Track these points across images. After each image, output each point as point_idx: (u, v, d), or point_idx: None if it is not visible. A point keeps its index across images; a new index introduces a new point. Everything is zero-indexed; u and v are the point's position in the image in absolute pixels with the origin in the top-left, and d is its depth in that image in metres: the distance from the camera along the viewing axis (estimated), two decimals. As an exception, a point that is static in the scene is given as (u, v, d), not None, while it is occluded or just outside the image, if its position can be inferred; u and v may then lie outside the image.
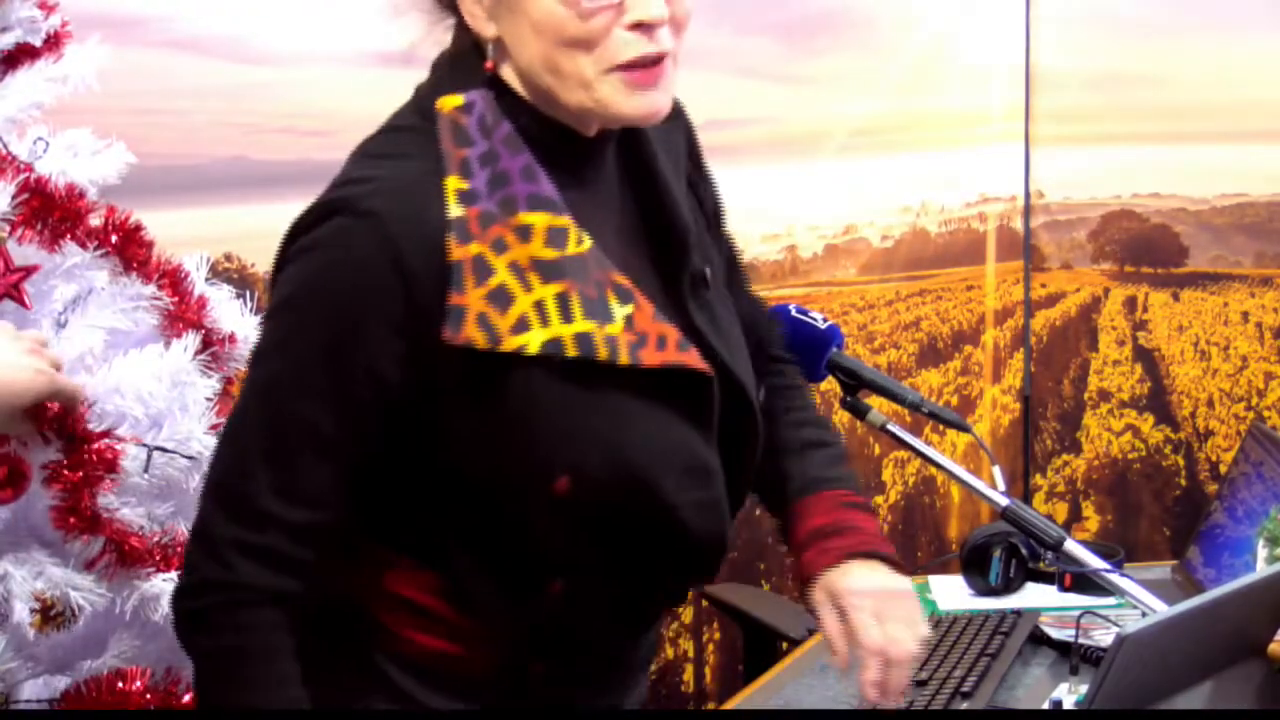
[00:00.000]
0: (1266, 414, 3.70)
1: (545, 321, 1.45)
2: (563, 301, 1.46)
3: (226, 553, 1.44)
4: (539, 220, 1.46)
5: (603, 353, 1.46)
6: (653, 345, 1.49)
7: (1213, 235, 3.72)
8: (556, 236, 1.47)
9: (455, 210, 1.44)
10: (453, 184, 1.44)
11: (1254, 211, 3.71)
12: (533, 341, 1.44)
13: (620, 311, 1.49)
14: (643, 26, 1.43)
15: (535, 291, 1.45)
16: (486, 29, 1.47)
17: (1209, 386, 3.75)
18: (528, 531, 1.49)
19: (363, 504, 1.50)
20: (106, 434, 1.92)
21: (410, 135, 1.48)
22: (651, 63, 1.45)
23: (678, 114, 1.64)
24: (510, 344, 1.43)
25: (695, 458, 1.54)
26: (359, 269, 1.42)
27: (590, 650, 1.60)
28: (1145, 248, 3.74)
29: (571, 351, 1.45)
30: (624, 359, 1.47)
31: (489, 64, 1.48)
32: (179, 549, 1.95)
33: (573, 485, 1.46)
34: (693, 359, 1.51)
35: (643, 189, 1.59)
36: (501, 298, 1.44)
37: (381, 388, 1.44)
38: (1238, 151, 3.65)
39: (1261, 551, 2.26)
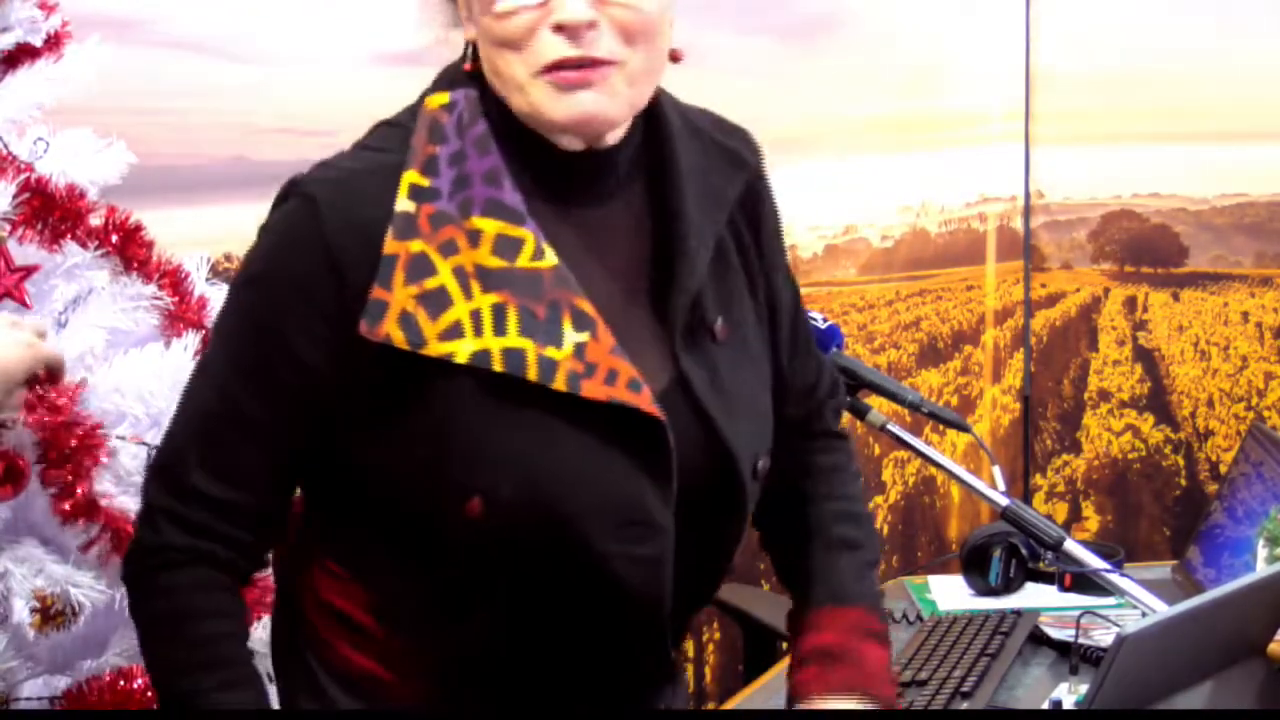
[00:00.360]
0: (1266, 414, 3.71)
1: (479, 331, 1.39)
2: (499, 313, 1.39)
3: (157, 519, 1.46)
4: (490, 226, 1.41)
5: (532, 373, 1.38)
6: (600, 378, 1.40)
7: (1213, 235, 3.72)
8: (506, 246, 1.41)
9: (403, 204, 1.40)
10: (409, 178, 1.41)
11: (1254, 211, 3.71)
12: (461, 350, 1.38)
13: (572, 337, 1.40)
14: (565, 29, 1.37)
15: (475, 300, 1.39)
16: (468, 30, 1.46)
17: (1209, 386, 3.75)
18: (446, 554, 1.43)
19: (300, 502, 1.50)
20: (79, 423, 1.91)
21: (395, 130, 1.46)
22: (581, 65, 1.38)
23: (741, 161, 1.56)
24: (436, 349, 1.38)
25: (636, 509, 1.43)
26: (291, 252, 1.41)
27: (539, 700, 1.51)
28: (1145, 248, 3.74)
29: (498, 366, 1.38)
30: (559, 384, 1.39)
31: (467, 65, 1.46)
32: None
33: (485, 509, 1.39)
34: (642, 400, 1.41)
35: (661, 224, 1.50)
36: (437, 301, 1.39)
37: (306, 375, 1.41)
38: (1238, 151, 3.65)
39: (1261, 551, 2.26)
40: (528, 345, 1.39)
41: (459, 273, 1.40)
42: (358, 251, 1.39)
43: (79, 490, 1.90)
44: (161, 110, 2.85)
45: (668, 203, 1.49)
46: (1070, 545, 2.00)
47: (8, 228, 1.96)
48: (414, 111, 1.47)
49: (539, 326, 1.40)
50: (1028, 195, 3.66)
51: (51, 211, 1.99)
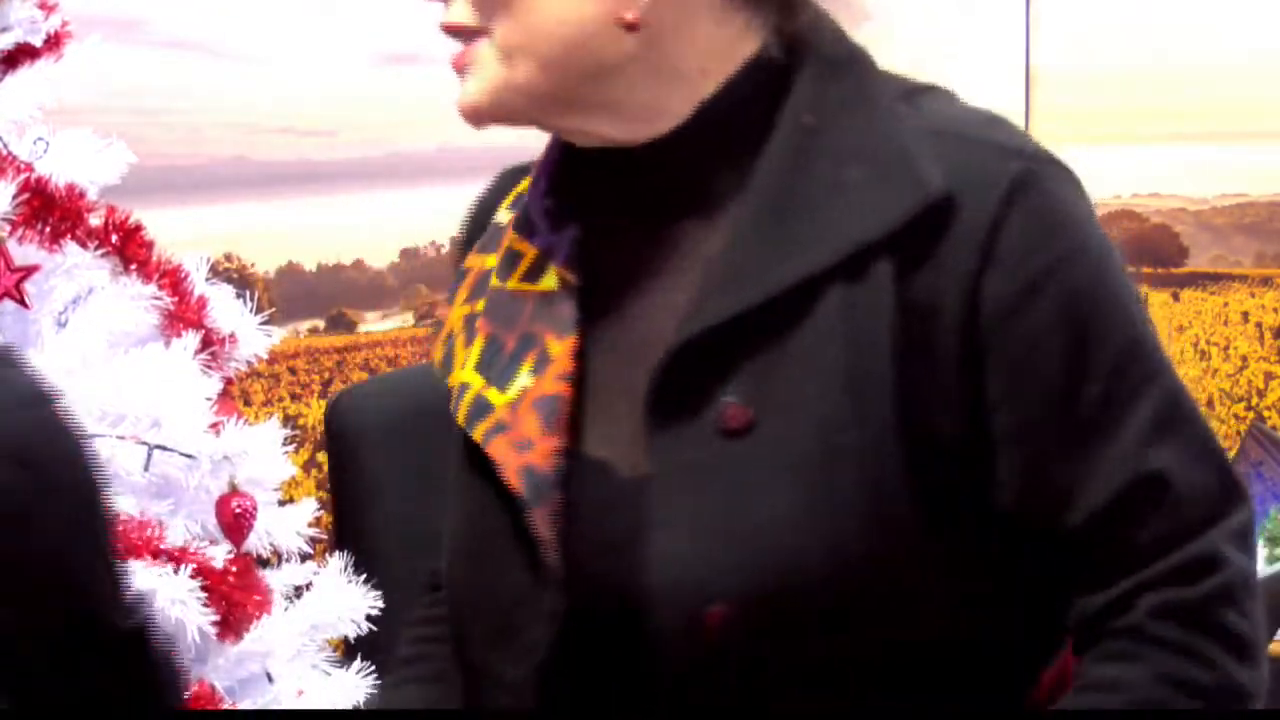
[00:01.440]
0: (1266, 414, 3.70)
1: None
2: (471, 339, 1.14)
3: None
4: (509, 238, 1.15)
5: (460, 416, 1.10)
6: (516, 435, 1.08)
7: (1213, 235, 3.72)
8: (508, 261, 1.14)
9: (502, 214, 1.18)
10: (528, 181, 1.16)
11: (1254, 211, 3.71)
12: (456, 380, 1.14)
13: (522, 381, 1.08)
14: None
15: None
16: None
17: (1209, 386, 3.75)
18: None
19: None
20: None
21: None
22: (458, 40, 1.06)
23: (910, 182, 1.05)
24: (455, 378, 1.14)
25: (510, 618, 1.07)
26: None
27: None
28: (1145, 248, 3.74)
29: (451, 402, 1.12)
30: (476, 435, 1.08)
31: None
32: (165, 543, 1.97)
33: (442, 575, 1.19)
34: (507, 463, 1.05)
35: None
36: (475, 321, 1.16)
37: None
38: (1238, 151, 3.65)
39: (1261, 551, 2.26)
40: (476, 381, 1.11)
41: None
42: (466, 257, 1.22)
43: None
44: (161, 110, 2.85)
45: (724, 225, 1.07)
46: (1070, 545, 2.00)
47: (8, 228, 1.96)
48: None
49: (499, 361, 1.10)
50: (1028, 195, 3.65)
51: (51, 211, 1.99)
